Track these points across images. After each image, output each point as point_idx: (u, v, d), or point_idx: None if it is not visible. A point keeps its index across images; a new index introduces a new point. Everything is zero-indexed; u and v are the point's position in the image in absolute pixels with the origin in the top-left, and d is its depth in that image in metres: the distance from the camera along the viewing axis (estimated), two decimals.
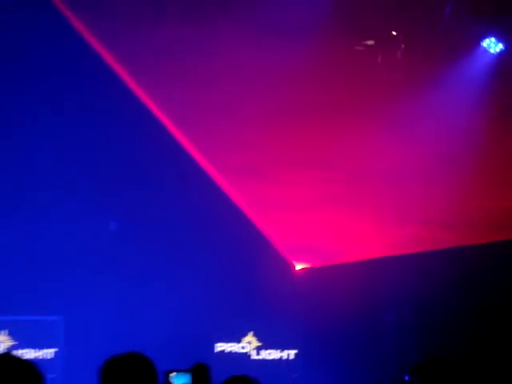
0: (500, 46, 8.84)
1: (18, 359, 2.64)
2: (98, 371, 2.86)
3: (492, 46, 8.78)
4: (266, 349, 9.49)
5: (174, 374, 5.44)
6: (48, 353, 9.49)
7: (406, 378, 5.97)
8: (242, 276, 9.98)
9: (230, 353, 9.94)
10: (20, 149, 9.73)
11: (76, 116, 9.50)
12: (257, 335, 10.05)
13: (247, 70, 9.17)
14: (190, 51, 9.13)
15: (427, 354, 8.14)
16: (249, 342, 9.98)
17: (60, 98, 9.84)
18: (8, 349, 9.25)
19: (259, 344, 9.90)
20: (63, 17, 9.39)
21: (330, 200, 9.44)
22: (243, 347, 9.97)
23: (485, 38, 8.92)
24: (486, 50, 8.89)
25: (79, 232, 9.67)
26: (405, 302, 8.70)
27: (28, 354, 9.07)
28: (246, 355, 9.76)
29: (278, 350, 9.39)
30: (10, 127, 9.80)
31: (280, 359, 9.44)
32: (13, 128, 9.80)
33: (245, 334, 10.02)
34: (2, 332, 9.59)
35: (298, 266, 10.80)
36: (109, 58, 9.84)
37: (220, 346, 9.88)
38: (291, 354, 9.91)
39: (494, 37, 8.81)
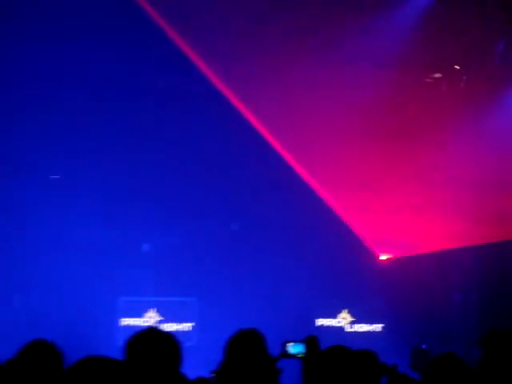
0: None
1: (162, 331, 3.34)
2: (225, 343, 3.64)
3: None
4: (358, 323, 11.10)
5: (290, 343, 5.80)
6: (186, 326, 11.05)
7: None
8: (338, 265, 11.18)
9: (328, 327, 11.37)
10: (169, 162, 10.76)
11: (202, 138, 10.59)
12: (350, 312, 11.50)
13: (343, 95, 10.14)
14: (294, 79, 10.11)
15: (487, 329, 9.65)
16: (343, 318, 11.48)
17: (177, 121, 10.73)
18: (156, 323, 10.76)
19: (352, 319, 11.39)
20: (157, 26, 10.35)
21: (408, 204, 10.54)
22: (339, 322, 11.46)
23: None
24: None
25: (209, 231, 11.08)
26: (469, 285, 10.24)
27: (171, 327, 10.63)
28: (341, 329, 11.28)
29: (368, 324, 11.02)
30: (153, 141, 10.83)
31: (369, 332, 11.08)
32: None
33: (340, 311, 11.50)
34: (151, 310, 11.01)
35: (382, 257, 11.93)
36: (220, 86, 10.75)
37: (320, 321, 11.34)
38: (378, 327, 11.41)
39: None
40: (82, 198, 11.12)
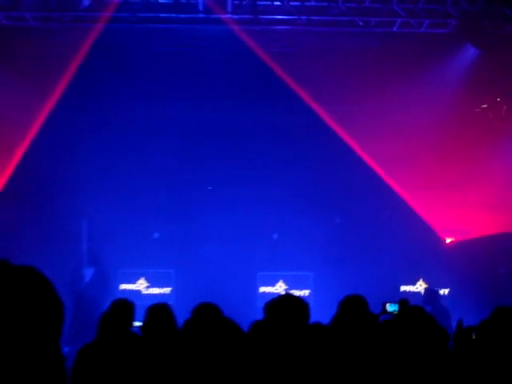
0: None
1: (294, 296, 3.70)
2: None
3: None
4: None
5: (388, 304, 6.09)
6: (303, 293, 12.55)
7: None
8: (417, 247, 12.37)
9: (409, 292, 12.48)
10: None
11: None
12: (424, 280, 12.73)
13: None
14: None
15: None
16: (420, 285, 12.70)
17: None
18: (284, 291, 12.12)
19: (426, 286, 12.27)
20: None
21: (467, 201, 12.18)
22: (417, 288, 12.70)
23: None
24: None
25: (313, 224, 12.46)
26: None
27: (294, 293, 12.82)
28: (419, 293, 12.01)
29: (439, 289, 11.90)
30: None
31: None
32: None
33: (418, 280, 12.78)
34: (280, 281, 12.69)
35: (448, 240, 13.00)
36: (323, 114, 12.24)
37: (403, 288, 12.62)
38: (446, 291, 12.51)
39: None
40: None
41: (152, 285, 13.09)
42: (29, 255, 11.57)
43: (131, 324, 5.22)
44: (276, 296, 4.10)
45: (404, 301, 5.78)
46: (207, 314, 4.77)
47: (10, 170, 12.45)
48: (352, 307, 4.51)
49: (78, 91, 12.01)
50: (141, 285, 13.00)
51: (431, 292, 9.99)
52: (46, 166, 12.32)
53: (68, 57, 11.52)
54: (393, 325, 3.82)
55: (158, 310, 5.17)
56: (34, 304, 1.52)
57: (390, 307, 6.00)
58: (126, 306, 5.33)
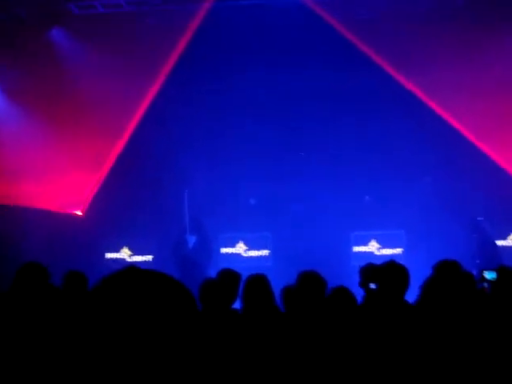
0: None
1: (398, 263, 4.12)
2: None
3: None
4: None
5: (486, 271, 6.14)
6: (396, 251, 12.74)
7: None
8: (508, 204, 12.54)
9: (502, 246, 12.61)
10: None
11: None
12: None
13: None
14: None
15: None
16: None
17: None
18: (377, 250, 12.85)
19: None
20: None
21: None
22: (508, 242, 12.74)
23: None
24: None
25: None
26: None
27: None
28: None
29: None
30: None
31: None
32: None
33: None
34: (373, 240, 12.92)
35: None
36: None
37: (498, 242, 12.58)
38: None
39: None
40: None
41: (250, 248, 13.50)
42: (139, 224, 13.07)
43: (235, 297, 5.36)
44: (381, 263, 4.60)
45: (503, 268, 5.39)
46: (312, 284, 4.94)
47: (119, 148, 13.29)
48: (448, 272, 4.50)
49: (178, 67, 12.72)
50: (240, 248, 13.43)
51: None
52: (150, 141, 12.94)
53: (164, 38, 12.18)
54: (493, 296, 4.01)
55: (256, 284, 5.14)
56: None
57: (489, 275, 5.96)
58: (232, 277, 5.58)
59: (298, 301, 5.01)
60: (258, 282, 5.18)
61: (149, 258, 13.36)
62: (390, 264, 4.83)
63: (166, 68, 12.78)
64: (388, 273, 4.68)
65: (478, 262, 11.08)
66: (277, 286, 5.45)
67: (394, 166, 12.83)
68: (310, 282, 5.00)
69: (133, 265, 1.57)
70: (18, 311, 4.12)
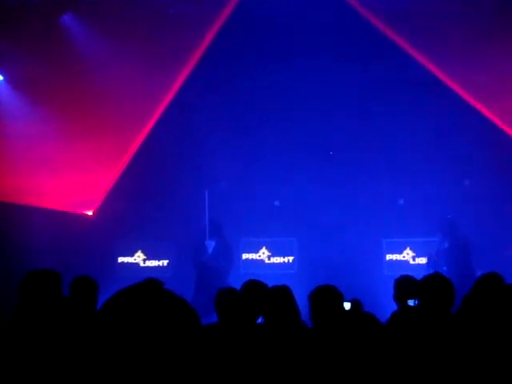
0: None
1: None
2: None
3: None
4: None
5: None
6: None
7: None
8: None
9: None
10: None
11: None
12: None
13: None
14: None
15: None
16: None
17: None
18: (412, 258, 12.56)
19: None
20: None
21: None
22: None
23: None
24: None
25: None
26: None
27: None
28: None
29: None
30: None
31: None
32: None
33: None
34: (407, 248, 12.59)
35: None
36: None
37: None
38: None
39: None
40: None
41: (274, 254, 13.38)
42: (154, 226, 12.92)
43: (258, 313, 5.18)
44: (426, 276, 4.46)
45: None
46: (325, 302, 4.88)
47: (136, 144, 13.13)
48: (490, 286, 4.53)
49: (202, 60, 12.67)
50: (263, 254, 13.28)
51: None
52: (169, 138, 12.90)
53: (187, 27, 12.12)
54: None
55: (278, 297, 5.05)
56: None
57: None
58: (256, 289, 5.40)
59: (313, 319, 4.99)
60: (281, 294, 5.07)
61: (164, 263, 13.23)
62: (434, 278, 4.66)
63: (190, 60, 12.70)
64: (432, 288, 4.51)
65: None
66: (301, 296, 5.29)
67: (433, 167, 12.65)
68: (322, 299, 4.93)
69: (151, 279, 1.62)
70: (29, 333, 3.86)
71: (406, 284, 6.15)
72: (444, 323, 4.42)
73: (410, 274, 6.40)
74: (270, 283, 5.69)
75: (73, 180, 12.46)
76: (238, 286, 6.03)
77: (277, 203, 13.38)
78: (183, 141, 12.93)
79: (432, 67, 12.20)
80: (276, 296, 5.04)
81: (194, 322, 1.61)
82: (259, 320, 5.39)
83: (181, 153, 12.91)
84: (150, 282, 1.63)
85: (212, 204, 12.28)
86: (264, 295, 5.14)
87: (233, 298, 5.11)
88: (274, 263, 13.26)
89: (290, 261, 13.30)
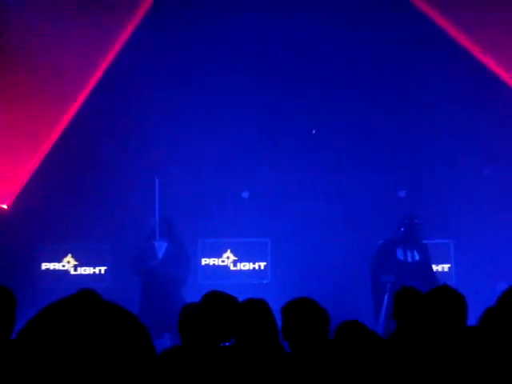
0: None
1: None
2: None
3: None
4: None
5: None
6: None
7: None
8: None
9: None
10: None
11: None
12: None
13: None
14: None
15: None
16: None
17: None
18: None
19: None
20: None
21: None
22: None
23: None
24: None
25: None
26: None
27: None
28: None
29: None
30: None
31: None
32: None
33: None
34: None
35: None
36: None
37: None
38: None
39: None
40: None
41: (242, 258, 13.37)
42: (88, 224, 12.83)
43: (229, 336, 5.22)
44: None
45: None
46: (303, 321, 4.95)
47: (64, 123, 13.06)
48: None
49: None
50: (227, 259, 13.35)
51: None
52: (107, 115, 12.94)
53: None
54: None
55: (253, 314, 5.15)
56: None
57: None
58: (222, 303, 5.39)
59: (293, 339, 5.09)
60: (257, 311, 5.17)
61: (101, 270, 13.23)
62: (442, 290, 4.81)
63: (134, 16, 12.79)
64: (440, 303, 4.66)
65: None
66: (277, 312, 5.37)
67: (443, 153, 12.95)
68: (299, 316, 5.00)
69: (86, 290, 1.65)
70: None
71: (404, 297, 6.31)
72: (458, 345, 4.54)
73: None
74: (237, 296, 5.76)
75: None
76: (195, 299, 6.06)
77: (245, 194, 13.47)
78: (125, 117, 12.89)
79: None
80: (250, 313, 5.11)
81: (147, 344, 1.61)
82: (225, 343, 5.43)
83: (122, 133, 12.96)
84: (85, 294, 1.64)
85: (163, 196, 12.21)
86: (234, 312, 5.22)
87: (203, 315, 5.10)
88: (241, 270, 13.34)
89: (262, 267, 13.42)
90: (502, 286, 5.41)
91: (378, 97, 12.92)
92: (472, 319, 4.95)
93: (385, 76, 12.83)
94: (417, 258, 11.23)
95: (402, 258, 11.20)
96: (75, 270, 13.18)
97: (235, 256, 13.39)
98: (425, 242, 11.42)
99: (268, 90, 12.96)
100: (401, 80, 12.72)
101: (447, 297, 4.71)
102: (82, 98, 12.90)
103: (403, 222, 11.41)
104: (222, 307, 5.42)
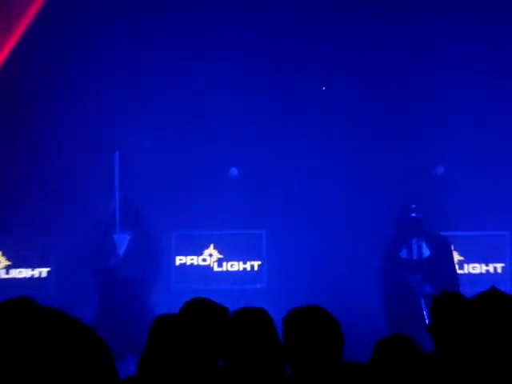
0: None
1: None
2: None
3: None
4: None
5: None
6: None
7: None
8: None
9: None
10: None
11: None
12: None
13: None
14: None
15: None
16: None
17: None
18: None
19: None
20: None
21: None
22: None
23: None
24: None
25: None
26: None
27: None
28: None
29: None
30: None
31: None
32: None
33: None
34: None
35: None
36: None
37: None
38: None
39: None
40: None
41: (228, 256, 13.41)
42: (26, 213, 12.67)
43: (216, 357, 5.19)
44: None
45: None
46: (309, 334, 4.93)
47: None
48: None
49: None
50: (210, 257, 13.34)
51: None
52: (45, 72, 13.00)
53: None
54: None
55: (251, 328, 5.10)
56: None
57: None
58: (208, 315, 5.38)
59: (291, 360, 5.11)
60: (253, 323, 5.15)
61: (43, 272, 13.11)
62: (491, 294, 4.73)
63: None
64: (491, 312, 4.62)
65: None
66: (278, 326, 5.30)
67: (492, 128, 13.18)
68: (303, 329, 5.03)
69: (23, 299, 1.80)
70: None
71: (445, 303, 6.35)
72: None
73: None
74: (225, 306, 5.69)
75: None
76: (168, 309, 5.96)
77: (233, 172, 13.56)
78: (71, 74, 12.98)
79: None
80: (246, 326, 5.07)
81: (107, 365, 1.67)
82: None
83: (69, 95, 12.91)
84: (22, 301, 1.75)
85: (125, 177, 12.09)
86: (224, 325, 5.15)
87: (181, 330, 5.25)
88: (228, 272, 13.33)
89: (256, 268, 13.42)
90: None
91: (387, 69, 13.37)
92: None
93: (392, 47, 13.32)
94: (426, 253, 11.38)
95: (406, 256, 11.36)
96: (7, 272, 13.18)
97: (220, 253, 13.38)
98: (442, 233, 11.64)
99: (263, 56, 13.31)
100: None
101: (497, 304, 4.66)
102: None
103: (403, 216, 11.62)
104: (208, 320, 5.39)
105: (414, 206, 11.62)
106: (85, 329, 1.70)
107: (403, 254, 11.43)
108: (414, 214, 11.49)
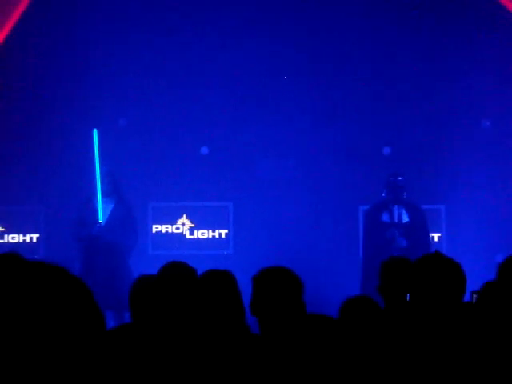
0: None
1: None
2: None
3: None
4: None
5: None
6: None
7: None
8: None
9: None
10: None
11: None
12: None
13: None
14: None
15: None
16: None
17: None
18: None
19: None
20: None
21: None
22: None
23: None
24: None
25: None
26: None
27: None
28: None
29: None
30: None
31: None
32: None
33: None
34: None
35: None
36: None
37: None
38: None
39: None
40: None
41: (199, 225, 13.48)
42: (15, 182, 12.68)
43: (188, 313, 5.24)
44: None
45: None
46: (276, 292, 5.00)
47: None
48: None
49: None
50: (183, 226, 13.43)
51: None
52: (32, 45, 12.86)
53: None
54: None
55: (218, 287, 5.25)
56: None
57: None
58: (181, 276, 5.57)
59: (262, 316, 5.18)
60: (221, 284, 5.26)
61: (33, 238, 13.22)
62: (435, 257, 4.71)
63: None
64: (434, 273, 4.60)
65: None
66: (242, 287, 5.51)
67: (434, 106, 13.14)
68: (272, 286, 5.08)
69: (12, 253, 1.97)
70: None
71: (392, 267, 6.53)
72: (454, 324, 4.60)
73: None
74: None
75: None
76: (144, 271, 6.19)
77: (204, 151, 13.52)
78: (53, 50, 12.91)
79: None
80: (213, 286, 5.19)
81: (92, 308, 1.63)
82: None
83: (52, 71, 12.88)
84: (10, 256, 1.78)
85: (105, 151, 12.06)
86: (194, 285, 5.34)
87: (160, 289, 5.34)
88: (199, 239, 13.50)
89: (223, 236, 13.57)
90: (501, 258, 5.74)
91: (365, 43, 13.21)
92: (466, 295, 5.00)
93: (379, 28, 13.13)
94: (405, 219, 11.53)
95: (387, 219, 11.51)
96: (1, 237, 13.18)
97: (192, 222, 13.49)
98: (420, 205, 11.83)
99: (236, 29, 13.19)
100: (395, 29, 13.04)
101: (440, 266, 4.62)
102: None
103: (386, 181, 11.69)
104: (182, 279, 5.57)
105: (399, 172, 11.79)
106: (69, 275, 1.66)
107: (385, 217, 11.58)
108: (400, 178, 11.64)
